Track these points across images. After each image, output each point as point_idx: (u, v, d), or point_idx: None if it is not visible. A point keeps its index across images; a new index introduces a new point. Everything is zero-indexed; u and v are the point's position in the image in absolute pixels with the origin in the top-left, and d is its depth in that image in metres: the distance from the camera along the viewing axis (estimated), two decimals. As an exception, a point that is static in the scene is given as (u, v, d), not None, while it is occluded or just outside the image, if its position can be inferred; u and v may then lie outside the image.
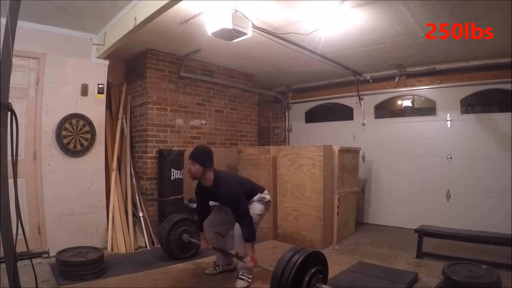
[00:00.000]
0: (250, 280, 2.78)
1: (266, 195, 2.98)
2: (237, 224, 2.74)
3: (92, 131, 3.81)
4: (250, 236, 2.62)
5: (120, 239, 3.78)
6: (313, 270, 2.05)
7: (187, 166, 2.84)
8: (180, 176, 4.28)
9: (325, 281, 2.15)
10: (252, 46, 4.10)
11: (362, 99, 5.60)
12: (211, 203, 3.05)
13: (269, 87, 6.68)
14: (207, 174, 2.73)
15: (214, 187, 2.76)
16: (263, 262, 3.26)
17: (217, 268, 3.06)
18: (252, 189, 2.95)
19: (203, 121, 5.02)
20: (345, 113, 5.89)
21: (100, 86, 3.91)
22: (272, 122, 6.81)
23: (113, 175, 4.07)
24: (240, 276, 2.78)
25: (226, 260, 3.07)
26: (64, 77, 3.65)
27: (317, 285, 2.05)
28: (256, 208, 2.88)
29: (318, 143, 4.16)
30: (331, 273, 3.03)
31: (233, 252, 2.95)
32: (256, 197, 2.92)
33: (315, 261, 2.12)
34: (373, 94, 5.51)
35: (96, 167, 3.86)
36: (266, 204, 2.98)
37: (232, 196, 2.68)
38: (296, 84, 6.49)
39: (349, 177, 4.54)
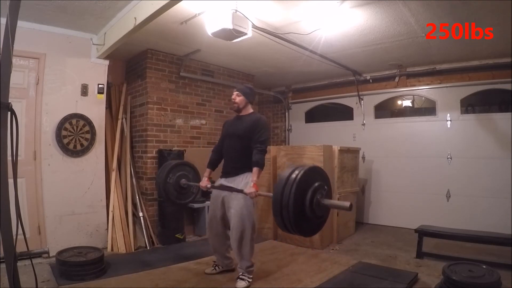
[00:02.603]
0: (250, 280, 2.77)
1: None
2: (232, 227, 2.71)
3: (92, 131, 3.81)
4: (260, 162, 2.69)
5: (120, 239, 3.78)
6: (315, 185, 1.88)
7: (232, 96, 2.98)
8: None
9: (329, 196, 1.98)
10: (252, 46, 4.10)
11: (362, 99, 5.60)
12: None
13: (269, 87, 6.68)
14: (247, 106, 2.96)
15: (247, 117, 2.91)
16: (263, 262, 3.28)
17: (217, 267, 3.05)
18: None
19: (203, 121, 5.02)
20: (345, 113, 5.89)
21: (100, 86, 3.92)
22: (272, 122, 6.81)
23: (113, 175, 4.07)
24: (240, 276, 2.77)
25: (224, 261, 3.05)
26: (64, 77, 3.65)
27: (320, 199, 1.89)
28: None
29: (318, 143, 4.16)
30: (331, 273, 3.05)
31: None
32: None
33: (317, 176, 1.96)
34: (373, 94, 5.51)
35: (96, 167, 3.86)
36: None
37: (262, 123, 2.83)
38: (296, 84, 6.49)
39: (349, 177, 4.54)
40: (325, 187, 1.93)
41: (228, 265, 3.06)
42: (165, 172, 3.12)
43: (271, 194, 1.99)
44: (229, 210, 2.79)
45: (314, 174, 1.93)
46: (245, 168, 2.77)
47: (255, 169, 2.67)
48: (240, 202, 2.71)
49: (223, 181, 2.89)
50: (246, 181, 2.74)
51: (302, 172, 1.83)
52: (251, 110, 2.98)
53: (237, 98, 2.92)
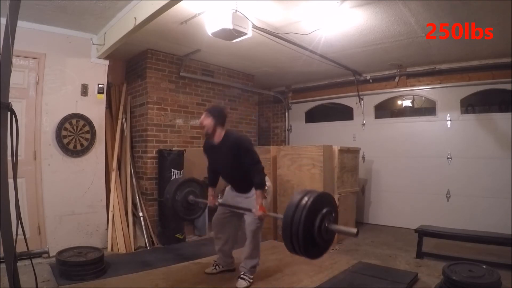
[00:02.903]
0: (251, 280, 2.77)
1: (267, 181, 2.86)
2: (247, 221, 2.74)
3: (92, 131, 3.81)
4: (261, 183, 2.62)
5: (120, 239, 3.78)
6: (324, 211, 1.93)
7: (200, 119, 2.77)
8: (180, 176, 4.27)
9: (335, 221, 2.04)
10: (252, 46, 4.10)
11: (362, 99, 5.60)
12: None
13: (269, 87, 6.68)
14: (217, 130, 2.71)
15: (223, 143, 2.71)
16: (263, 262, 3.28)
17: (217, 267, 3.05)
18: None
19: (203, 121, 5.01)
20: (345, 113, 5.89)
21: (100, 86, 3.91)
22: (272, 122, 6.81)
23: (113, 175, 4.07)
24: (241, 276, 2.77)
25: (226, 260, 3.05)
26: (64, 77, 3.65)
27: (328, 225, 1.94)
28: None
29: (318, 143, 4.16)
30: (331, 273, 3.05)
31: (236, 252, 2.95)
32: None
33: (325, 202, 2.02)
34: (373, 94, 5.51)
35: (96, 167, 3.86)
36: (268, 193, 2.87)
37: (242, 144, 2.65)
38: (296, 84, 6.49)
39: (349, 177, 4.54)
40: (333, 213, 2.01)
41: (230, 265, 3.07)
42: (173, 189, 3.13)
43: (281, 216, 2.05)
44: (243, 218, 2.82)
45: (323, 200, 2.00)
46: (252, 185, 2.73)
47: (258, 192, 2.62)
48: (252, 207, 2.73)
49: (232, 192, 2.94)
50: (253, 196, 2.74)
51: (312, 198, 1.89)
52: (222, 133, 2.74)
53: (204, 121, 2.70)
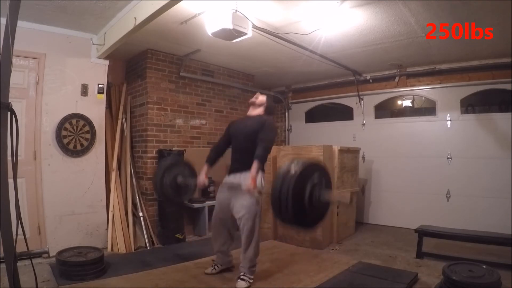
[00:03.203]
0: (251, 281, 2.76)
1: (263, 181, 2.82)
2: (243, 217, 2.69)
3: (92, 131, 3.81)
4: (261, 155, 2.64)
5: (120, 239, 3.78)
6: (314, 180, 1.87)
7: (257, 93, 3.07)
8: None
9: (329, 186, 1.98)
10: (252, 46, 4.10)
11: (362, 99, 5.60)
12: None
13: (269, 87, 6.68)
14: (260, 108, 2.98)
15: (255, 118, 2.91)
16: (263, 262, 3.28)
17: (216, 267, 3.04)
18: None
19: (203, 121, 5.01)
20: (345, 113, 5.88)
21: (100, 86, 3.91)
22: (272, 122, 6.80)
23: (113, 175, 4.07)
24: (241, 277, 2.75)
25: (225, 259, 3.05)
26: (64, 77, 3.65)
27: (320, 195, 1.89)
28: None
29: (318, 143, 4.16)
30: (331, 273, 3.05)
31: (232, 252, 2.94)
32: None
33: (315, 168, 1.95)
34: (373, 94, 5.51)
35: (96, 167, 3.86)
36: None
37: (269, 123, 2.82)
38: (296, 84, 6.49)
39: (349, 177, 4.54)
40: (325, 181, 1.93)
41: (228, 263, 3.07)
42: (161, 172, 3.04)
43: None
44: (236, 212, 2.77)
45: (313, 168, 1.93)
46: (251, 165, 2.70)
47: (255, 162, 2.58)
48: (247, 203, 2.69)
49: (229, 179, 2.88)
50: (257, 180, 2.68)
51: (299, 166, 1.83)
52: (262, 113, 2.98)
53: (260, 96, 3.00)
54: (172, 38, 3.94)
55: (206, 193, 4.74)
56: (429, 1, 2.90)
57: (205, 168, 3.00)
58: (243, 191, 2.64)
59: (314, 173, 1.90)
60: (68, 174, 3.64)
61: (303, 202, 1.80)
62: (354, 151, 4.81)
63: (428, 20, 3.27)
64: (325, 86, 6.07)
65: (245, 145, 2.78)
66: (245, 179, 2.65)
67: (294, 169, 1.82)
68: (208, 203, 4.60)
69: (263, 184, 2.76)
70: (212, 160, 3.05)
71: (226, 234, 2.96)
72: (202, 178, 2.93)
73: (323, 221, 1.99)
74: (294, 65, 4.99)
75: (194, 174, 3.15)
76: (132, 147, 4.55)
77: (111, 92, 4.46)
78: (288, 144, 6.50)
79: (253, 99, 3.01)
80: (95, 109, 3.87)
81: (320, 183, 1.89)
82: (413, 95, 5.21)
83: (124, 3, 3.02)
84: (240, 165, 2.80)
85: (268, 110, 3.03)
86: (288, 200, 1.75)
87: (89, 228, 3.77)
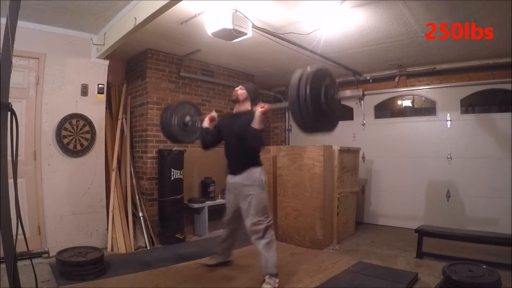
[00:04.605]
0: (276, 286, 2.65)
1: (263, 175, 2.81)
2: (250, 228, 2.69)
3: (92, 131, 3.81)
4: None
5: (120, 239, 3.78)
6: (326, 82, 1.95)
7: (235, 89, 2.93)
8: (180, 176, 4.28)
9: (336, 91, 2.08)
10: (252, 46, 4.10)
11: (362, 99, 5.60)
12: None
13: (269, 87, 6.68)
14: (246, 102, 2.86)
15: (244, 115, 2.77)
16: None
17: (217, 257, 3.15)
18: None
19: (203, 121, 5.01)
20: (345, 113, 5.88)
21: (100, 86, 3.91)
22: (272, 122, 6.81)
23: (113, 175, 4.07)
24: (267, 280, 2.65)
25: (225, 252, 3.14)
26: (64, 77, 3.65)
27: (334, 96, 1.98)
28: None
29: (318, 143, 4.16)
30: (331, 273, 3.05)
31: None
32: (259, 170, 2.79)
33: (324, 74, 2.03)
34: (373, 94, 5.50)
35: (96, 167, 3.86)
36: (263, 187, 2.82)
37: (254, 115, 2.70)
38: (296, 84, 6.47)
39: (349, 177, 4.54)
40: (334, 83, 2.02)
41: (226, 258, 3.19)
42: (169, 114, 3.09)
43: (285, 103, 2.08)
44: (246, 217, 2.75)
45: (323, 72, 2.02)
46: (249, 165, 2.75)
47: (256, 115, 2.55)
48: (255, 206, 2.69)
49: (231, 178, 2.89)
50: (251, 175, 2.72)
51: (312, 72, 1.90)
52: (249, 108, 2.83)
53: (239, 90, 2.87)
54: (172, 38, 3.93)
55: (206, 193, 4.74)
56: (429, 1, 2.90)
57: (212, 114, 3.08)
58: (247, 190, 2.71)
59: (325, 77, 1.99)
60: (68, 174, 3.64)
61: (320, 101, 1.87)
62: (354, 151, 4.81)
63: (428, 20, 3.27)
64: (325, 86, 6.05)
65: (239, 146, 2.73)
66: (248, 178, 2.73)
67: (306, 75, 1.89)
68: (208, 203, 4.61)
69: (264, 179, 2.78)
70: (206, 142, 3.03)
71: (232, 231, 3.05)
72: (207, 121, 3.02)
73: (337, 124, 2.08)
74: (294, 65, 4.96)
75: (199, 113, 3.24)
76: (132, 147, 4.55)
77: (111, 92, 4.46)
78: (288, 144, 6.50)
79: (234, 97, 2.89)
80: (95, 109, 3.87)
81: (332, 85, 1.98)
82: (413, 95, 5.21)
83: (124, 3, 3.02)
84: (239, 166, 2.79)
85: (254, 100, 2.87)
86: (307, 100, 1.81)
87: (89, 228, 3.77)
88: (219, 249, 3.17)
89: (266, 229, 2.70)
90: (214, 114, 3.09)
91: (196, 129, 3.24)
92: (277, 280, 2.69)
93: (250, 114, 2.68)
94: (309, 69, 1.92)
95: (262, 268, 2.71)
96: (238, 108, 2.90)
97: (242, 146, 2.70)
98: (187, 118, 3.15)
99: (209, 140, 2.99)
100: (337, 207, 4.20)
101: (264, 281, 2.67)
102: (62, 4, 2.98)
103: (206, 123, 3.03)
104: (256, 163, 2.80)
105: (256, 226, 2.68)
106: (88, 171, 3.79)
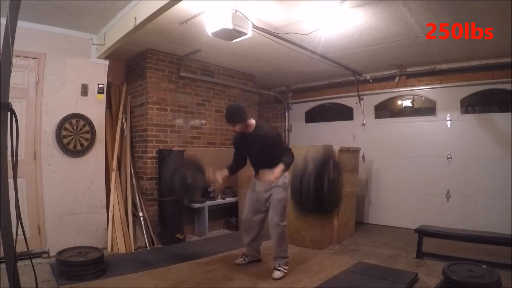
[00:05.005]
0: (286, 271, 2.95)
1: (287, 177, 2.98)
2: (272, 224, 2.96)
3: (92, 131, 3.81)
4: (288, 161, 2.84)
5: (120, 239, 3.78)
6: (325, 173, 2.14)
7: (231, 129, 3.02)
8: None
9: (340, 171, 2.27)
10: (252, 46, 4.10)
11: (362, 99, 5.60)
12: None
13: (269, 87, 6.68)
14: (248, 124, 2.97)
15: (255, 133, 2.97)
16: (263, 262, 3.28)
17: (246, 258, 3.27)
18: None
19: (203, 121, 5.02)
20: (345, 113, 5.89)
21: (100, 86, 3.91)
22: (272, 122, 6.81)
23: (113, 175, 4.07)
24: (277, 267, 2.94)
25: (254, 253, 3.28)
26: (64, 77, 3.65)
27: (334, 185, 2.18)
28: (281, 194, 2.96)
29: (318, 143, 4.16)
30: (331, 273, 3.05)
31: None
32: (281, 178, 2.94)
33: (328, 160, 2.24)
34: (373, 94, 5.51)
35: (96, 167, 3.86)
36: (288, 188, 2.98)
37: (274, 135, 3.02)
38: (296, 84, 6.49)
39: (349, 177, 4.54)
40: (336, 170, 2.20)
41: (256, 257, 3.32)
42: (170, 171, 3.12)
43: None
44: (268, 202, 3.01)
45: (326, 160, 2.19)
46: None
47: (280, 165, 2.80)
48: (276, 192, 2.95)
49: (258, 182, 3.07)
50: (281, 178, 2.93)
51: (316, 162, 2.08)
52: (253, 122, 3.00)
53: (236, 128, 2.96)
54: (172, 38, 3.93)
55: (206, 193, 4.74)
56: (429, 1, 2.90)
57: (225, 171, 3.13)
58: (280, 191, 2.94)
59: (328, 164, 2.15)
60: (68, 174, 3.64)
61: (322, 191, 2.05)
62: (354, 151, 4.81)
63: (428, 20, 3.27)
64: (325, 86, 6.07)
65: (264, 159, 2.95)
66: (278, 181, 2.91)
67: (311, 164, 2.07)
68: (208, 203, 4.61)
69: (288, 182, 2.94)
70: (233, 170, 3.22)
71: (255, 232, 3.18)
72: (219, 176, 3.04)
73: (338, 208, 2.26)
74: (294, 65, 4.99)
75: (203, 171, 3.16)
76: (132, 147, 4.55)
77: (111, 92, 4.46)
78: (288, 144, 6.49)
79: (236, 129, 2.97)
80: (95, 109, 3.87)
81: (334, 171, 2.15)
82: (413, 95, 5.21)
83: (124, 3, 3.02)
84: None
85: (245, 118, 2.92)
86: (309, 191, 1.99)
87: (89, 228, 3.77)
88: (248, 252, 3.29)
89: (284, 227, 3.00)
90: (222, 177, 3.09)
91: (197, 188, 3.23)
92: (287, 268, 2.99)
93: (260, 134, 2.96)
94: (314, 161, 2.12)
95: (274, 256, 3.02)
96: (244, 129, 2.99)
97: (267, 159, 2.90)
98: (190, 180, 3.07)
99: (236, 168, 3.25)
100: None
101: (275, 268, 2.96)
102: (62, 4, 2.98)
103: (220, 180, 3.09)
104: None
105: (278, 222, 2.95)
106: (88, 171, 3.79)
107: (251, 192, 3.19)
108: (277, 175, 2.77)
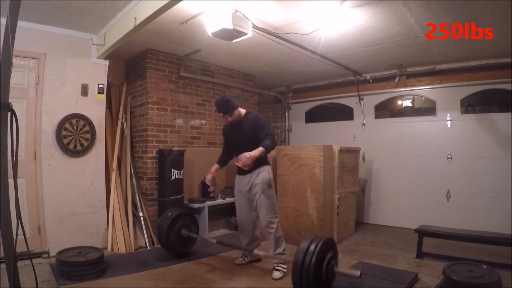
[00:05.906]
0: (285, 271, 2.93)
1: (270, 174, 3.09)
2: (264, 223, 2.99)
3: (92, 131, 3.81)
4: (268, 144, 2.85)
5: (120, 239, 3.78)
6: (329, 256, 2.25)
7: (228, 119, 3.11)
8: (180, 176, 4.28)
9: (336, 264, 2.37)
10: (252, 46, 4.10)
11: (362, 99, 5.60)
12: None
13: (269, 87, 6.68)
14: (239, 113, 3.09)
15: (244, 121, 3.07)
16: (263, 261, 3.28)
17: (246, 258, 3.30)
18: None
19: (203, 121, 5.02)
20: (345, 113, 5.88)
21: (100, 86, 3.91)
22: (272, 122, 6.81)
23: (113, 175, 4.07)
24: (276, 267, 2.96)
25: (253, 254, 3.24)
26: (64, 77, 3.65)
27: (333, 268, 2.27)
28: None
29: (318, 143, 4.16)
30: (331, 273, 3.04)
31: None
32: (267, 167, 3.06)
33: (329, 247, 2.34)
34: (373, 94, 5.51)
35: (96, 167, 3.86)
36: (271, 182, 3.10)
37: (259, 120, 3.06)
38: (296, 84, 6.49)
39: (349, 177, 4.54)
40: (336, 256, 2.37)
41: (256, 257, 3.31)
42: (167, 225, 3.33)
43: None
44: (255, 202, 3.05)
45: (328, 245, 2.32)
46: (258, 164, 2.96)
47: (260, 148, 2.80)
48: (266, 205, 2.98)
49: (239, 178, 3.15)
50: (260, 173, 3.00)
51: (319, 244, 2.22)
52: (243, 111, 3.13)
53: (229, 118, 3.05)
54: (172, 38, 3.93)
55: (206, 193, 4.74)
56: (429, 1, 2.90)
57: (215, 166, 3.29)
58: (261, 184, 2.98)
59: (329, 249, 2.30)
60: (68, 174, 3.64)
61: (321, 272, 2.20)
62: (354, 151, 4.81)
63: (428, 20, 3.27)
64: (325, 86, 6.07)
65: (247, 145, 2.94)
66: (257, 176, 2.99)
67: (313, 246, 2.23)
68: (208, 203, 4.61)
69: (271, 177, 3.06)
70: (223, 162, 3.36)
71: (251, 234, 3.23)
72: (209, 176, 3.19)
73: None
74: (294, 65, 4.99)
75: (196, 224, 3.53)
76: (132, 147, 4.55)
77: (111, 92, 4.46)
78: (288, 144, 6.50)
79: (231, 121, 3.08)
80: (95, 109, 3.87)
81: (333, 258, 2.32)
82: (413, 95, 5.21)
83: (124, 3, 3.02)
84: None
85: (237, 105, 3.07)
86: (310, 271, 2.12)
87: (89, 228, 3.77)
88: (247, 252, 3.30)
89: (277, 223, 3.02)
90: (211, 177, 3.22)
91: (193, 240, 3.56)
92: (285, 266, 2.98)
93: (248, 119, 3.06)
94: (315, 244, 2.23)
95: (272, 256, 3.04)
96: (234, 118, 3.08)
97: (253, 144, 2.90)
98: (184, 231, 3.41)
99: (226, 159, 3.36)
100: (337, 207, 4.20)
101: (274, 268, 2.98)
102: (62, 4, 2.98)
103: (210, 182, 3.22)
104: (265, 162, 3.07)
105: (271, 220, 2.98)
106: (88, 171, 3.79)
107: (236, 192, 3.25)
108: (255, 155, 2.73)
